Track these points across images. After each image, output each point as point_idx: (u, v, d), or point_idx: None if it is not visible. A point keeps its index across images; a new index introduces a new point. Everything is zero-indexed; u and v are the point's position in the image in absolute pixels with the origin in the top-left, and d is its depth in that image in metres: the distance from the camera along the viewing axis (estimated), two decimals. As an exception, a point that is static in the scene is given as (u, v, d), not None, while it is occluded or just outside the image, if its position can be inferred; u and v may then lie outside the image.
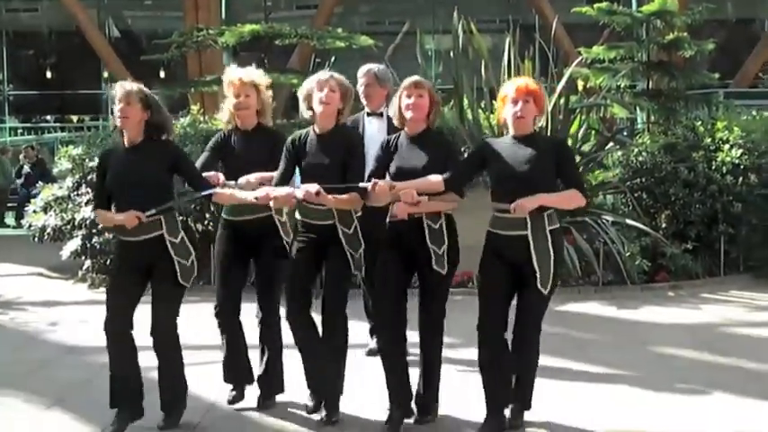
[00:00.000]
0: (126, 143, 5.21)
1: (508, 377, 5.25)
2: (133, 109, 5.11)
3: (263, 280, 5.65)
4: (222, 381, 5.80)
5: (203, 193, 5.30)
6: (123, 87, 5.16)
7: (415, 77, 5.36)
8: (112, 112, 5.22)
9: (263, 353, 5.71)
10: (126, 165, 5.17)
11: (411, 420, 5.38)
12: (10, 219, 19.51)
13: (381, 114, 6.87)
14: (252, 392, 5.78)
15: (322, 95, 5.23)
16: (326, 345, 5.34)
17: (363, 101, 7.05)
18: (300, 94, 5.36)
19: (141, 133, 5.19)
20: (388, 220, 5.30)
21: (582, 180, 5.62)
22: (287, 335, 5.55)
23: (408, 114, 5.24)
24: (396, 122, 5.39)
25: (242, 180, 5.45)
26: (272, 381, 5.70)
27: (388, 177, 5.24)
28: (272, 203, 5.24)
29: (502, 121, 5.33)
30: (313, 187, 5.05)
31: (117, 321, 5.21)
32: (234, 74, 5.64)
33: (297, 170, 5.40)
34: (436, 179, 5.13)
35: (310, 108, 5.31)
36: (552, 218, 5.15)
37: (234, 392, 5.75)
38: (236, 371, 5.73)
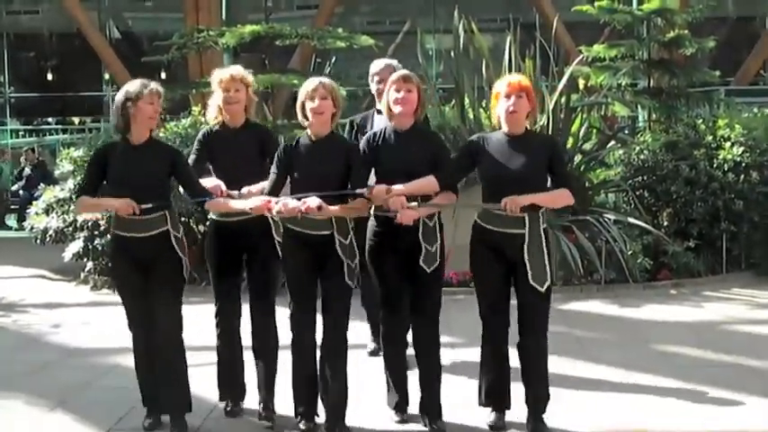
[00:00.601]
0: (133, 141, 5.24)
1: (509, 374, 5.28)
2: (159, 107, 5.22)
3: (257, 284, 5.59)
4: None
5: (198, 200, 5.31)
6: (152, 88, 5.21)
7: (404, 71, 5.38)
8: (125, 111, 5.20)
9: (258, 355, 5.63)
10: (131, 163, 5.19)
11: (424, 428, 5.37)
12: (12, 221, 19.53)
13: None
14: (253, 395, 5.76)
15: (314, 105, 5.16)
16: (329, 360, 5.25)
17: (378, 98, 6.72)
18: (298, 106, 5.30)
19: (148, 132, 5.27)
20: (373, 217, 5.32)
21: (572, 180, 5.65)
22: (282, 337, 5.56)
23: (397, 109, 5.23)
24: (384, 116, 5.37)
25: (243, 190, 5.41)
26: (270, 383, 5.63)
27: (372, 173, 5.25)
28: (270, 214, 5.15)
29: (496, 118, 5.32)
30: (314, 201, 4.97)
31: (146, 331, 5.26)
32: (223, 71, 5.67)
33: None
34: (432, 180, 5.13)
35: (305, 117, 5.26)
36: (545, 217, 5.20)
37: (230, 407, 5.69)
38: (231, 387, 5.69)
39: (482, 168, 5.21)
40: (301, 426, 5.27)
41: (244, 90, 5.61)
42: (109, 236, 9.85)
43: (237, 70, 5.69)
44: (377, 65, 6.88)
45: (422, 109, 5.36)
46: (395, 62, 6.90)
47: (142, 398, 5.46)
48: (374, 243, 5.34)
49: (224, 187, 5.42)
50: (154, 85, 5.24)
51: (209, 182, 5.45)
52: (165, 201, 5.24)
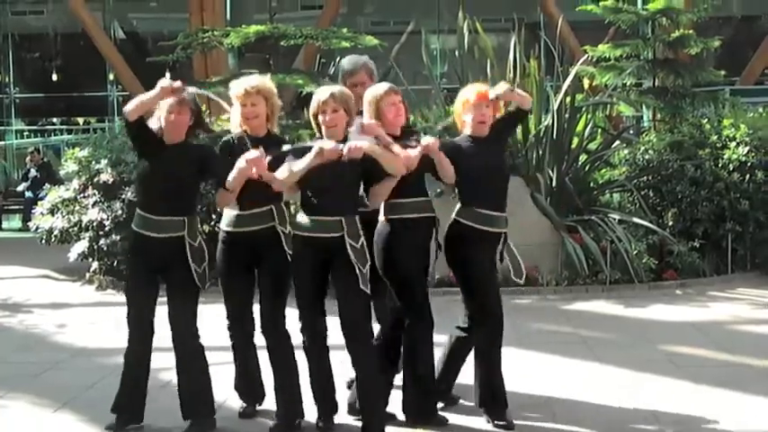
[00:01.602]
0: (167, 141, 5.23)
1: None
2: (186, 116, 5.24)
3: (268, 292, 5.45)
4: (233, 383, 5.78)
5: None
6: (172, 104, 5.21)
7: (388, 84, 5.50)
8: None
9: (271, 359, 5.58)
10: (165, 163, 5.21)
11: None
12: (16, 221, 19.58)
13: (361, 113, 5.87)
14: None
15: (326, 119, 5.15)
16: (356, 362, 5.19)
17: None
18: (310, 117, 5.29)
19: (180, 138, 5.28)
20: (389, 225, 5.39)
21: None
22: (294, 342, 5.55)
23: (397, 121, 5.38)
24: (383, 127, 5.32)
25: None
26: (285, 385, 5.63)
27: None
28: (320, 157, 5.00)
29: (462, 124, 5.54)
30: (361, 143, 4.99)
31: (142, 323, 5.26)
32: (238, 85, 5.41)
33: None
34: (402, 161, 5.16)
35: (318, 129, 5.25)
36: None
37: (246, 406, 5.69)
38: (248, 389, 5.68)
39: (466, 170, 5.39)
40: (320, 425, 5.32)
41: (262, 102, 5.37)
42: (114, 235, 10.04)
43: (252, 83, 5.40)
44: (348, 63, 6.17)
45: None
46: (365, 58, 6.33)
47: (115, 404, 5.37)
48: (399, 248, 5.33)
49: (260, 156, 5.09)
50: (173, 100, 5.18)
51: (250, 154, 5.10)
52: (193, 204, 5.34)
